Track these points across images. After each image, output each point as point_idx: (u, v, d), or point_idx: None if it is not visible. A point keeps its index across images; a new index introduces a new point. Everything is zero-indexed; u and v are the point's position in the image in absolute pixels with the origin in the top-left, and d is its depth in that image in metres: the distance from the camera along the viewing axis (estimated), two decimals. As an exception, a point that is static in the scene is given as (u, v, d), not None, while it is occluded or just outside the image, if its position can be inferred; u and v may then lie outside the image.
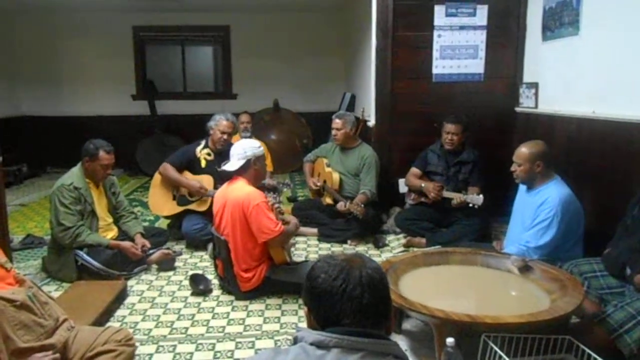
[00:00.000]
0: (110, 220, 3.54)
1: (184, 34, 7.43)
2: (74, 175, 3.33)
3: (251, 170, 3.02)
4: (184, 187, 3.98)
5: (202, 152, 4.04)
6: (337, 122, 4.27)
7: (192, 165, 4.03)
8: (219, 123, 3.99)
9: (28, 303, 1.93)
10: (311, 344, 1.14)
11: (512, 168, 3.11)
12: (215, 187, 3.88)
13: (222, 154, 3.98)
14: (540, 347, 2.11)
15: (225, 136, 3.98)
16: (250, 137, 4.54)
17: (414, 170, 4.19)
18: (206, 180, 3.97)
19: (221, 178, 3.86)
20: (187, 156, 4.06)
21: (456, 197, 3.77)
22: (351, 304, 1.15)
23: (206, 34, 7.49)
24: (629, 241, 2.54)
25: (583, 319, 2.42)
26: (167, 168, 3.98)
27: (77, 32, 7.12)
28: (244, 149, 3.00)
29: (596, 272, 2.61)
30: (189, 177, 3.99)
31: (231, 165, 3.01)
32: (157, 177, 4.08)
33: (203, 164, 4.02)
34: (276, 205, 3.23)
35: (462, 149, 4.03)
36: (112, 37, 7.17)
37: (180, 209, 4.00)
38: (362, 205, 3.89)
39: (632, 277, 2.36)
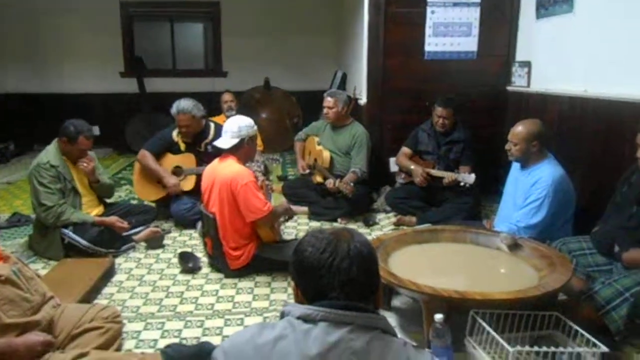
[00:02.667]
0: (94, 196, 3.49)
1: (173, 9, 7.26)
2: (49, 154, 3.25)
3: (243, 149, 2.97)
4: (159, 179, 3.87)
5: (179, 137, 3.94)
6: (329, 101, 4.22)
7: (171, 149, 3.94)
8: (175, 117, 3.82)
9: (13, 278, 1.91)
10: (298, 318, 1.13)
11: (507, 147, 3.05)
12: (199, 165, 3.83)
13: (199, 136, 3.93)
14: (528, 323, 2.12)
15: (183, 129, 3.84)
16: (235, 115, 4.43)
17: (405, 149, 4.17)
18: (187, 159, 3.91)
19: (204, 157, 3.83)
20: (164, 141, 3.95)
21: (447, 176, 3.76)
22: (339, 277, 1.13)
23: (196, 10, 7.34)
24: (617, 219, 2.55)
25: (571, 296, 2.43)
26: (146, 156, 3.86)
27: (64, 8, 6.92)
28: (239, 127, 2.93)
29: (585, 250, 2.62)
30: (169, 160, 3.92)
31: (224, 143, 2.95)
32: (137, 164, 3.99)
33: (182, 147, 3.93)
34: (267, 183, 3.20)
35: (453, 129, 4.01)
36: (100, 13, 6.99)
37: (167, 191, 3.95)
38: (352, 184, 3.87)
39: (620, 254, 2.38)
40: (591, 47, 3.39)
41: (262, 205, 2.85)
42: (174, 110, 3.82)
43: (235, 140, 2.93)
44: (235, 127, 2.93)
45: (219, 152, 3.07)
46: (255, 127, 3.04)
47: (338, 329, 1.09)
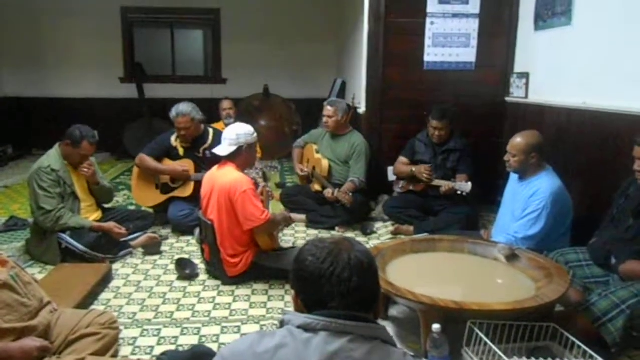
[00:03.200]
0: (92, 201, 3.49)
1: (174, 16, 7.31)
2: (51, 158, 3.25)
3: (242, 156, 2.98)
4: (166, 175, 3.90)
5: (178, 141, 3.95)
6: (328, 110, 4.23)
7: (170, 154, 3.95)
8: (175, 121, 3.83)
9: (10, 282, 1.90)
10: (298, 327, 1.13)
11: (506, 158, 3.06)
12: (197, 171, 3.84)
13: (198, 141, 3.94)
14: (525, 334, 2.12)
15: (183, 132, 3.84)
16: (233, 123, 4.44)
17: (402, 159, 4.17)
18: (186, 165, 3.90)
19: (203, 162, 3.83)
20: (163, 146, 3.95)
21: (444, 185, 3.77)
22: (339, 287, 1.13)
23: (196, 17, 7.38)
24: (614, 231, 2.56)
25: (568, 307, 2.43)
26: (145, 159, 3.87)
27: (64, 13, 6.96)
28: (238, 135, 2.93)
29: (581, 261, 2.63)
30: (168, 164, 3.92)
31: (222, 150, 2.96)
32: (136, 169, 4.00)
33: (181, 152, 3.94)
34: (267, 189, 3.21)
35: (449, 138, 4.02)
36: (100, 18, 7.03)
37: (165, 197, 3.94)
38: (350, 194, 3.87)
39: (617, 266, 2.39)
40: (589, 59, 3.41)
41: (259, 213, 2.85)
42: (173, 113, 3.83)
43: (233, 148, 2.93)
44: (233, 134, 2.94)
45: (218, 158, 3.08)
46: (255, 135, 3.04)
47: (338, 338, 1.10)
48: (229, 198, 2.87)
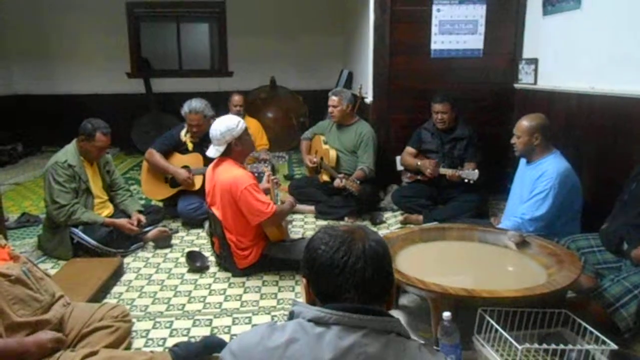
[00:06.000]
0: (106, 197, 3.52)
1: (179, 10, 7.30)
2: (68, 153, 3.28)
3: (234, 151, 2.93)
4: (170, 175, 3.91)
5: (187, 136, 3.95)
6: (333, 99, 4.23)
7: (179, 148, 3.96)
8: (186, 117, 3.84)
9: (23, 278, 1.92)
10: (309, 321, 1.09)
11: (512, 140, 3.10)
12: (206, 164, 3.85)
13: (207, 136, 3.92)
14: (537, 321, 2.11)
15: (194, 129, 3.85)
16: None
17: (409, 149, 4.16)
18: (195, 159, 3.92)
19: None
20: (172, 141, 3.97)
21: (450, 173, 3.75)
22: (353, 279, 1.10)
23: (201, 10, 7.37)
24: (626, 216, 2.54)
25: (579, 294, 2.42)
26: (153, 155, 3.89)
27: (70, 9, 6.97)
28: (222, 134, 2.85)
29: (593, 247, 2.61)
30: (177, 159, 3.94)
31: (212, 152, 2.94)
32: (145, 164, 4.02)
33: (190, 146, 3.95)
34: (273, 177, 3.21)
35: (455, 126, 4.00)
36: (106, 14, 7.03)
37: (174, 190, 3.96)
38: (358, 182, 3.86)
39: (629, 251, 2.37)
40: (599, 43, 3.36)
41: (265, 207, 2.84)
42: (185, 109, 3.83)
43: (222, 147, 2.90)
44: (217, 134, 2.87)
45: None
46: (241, 125, 2.92)
47: (352, 333, 1.06)
48: (232, 196, 2.86)
